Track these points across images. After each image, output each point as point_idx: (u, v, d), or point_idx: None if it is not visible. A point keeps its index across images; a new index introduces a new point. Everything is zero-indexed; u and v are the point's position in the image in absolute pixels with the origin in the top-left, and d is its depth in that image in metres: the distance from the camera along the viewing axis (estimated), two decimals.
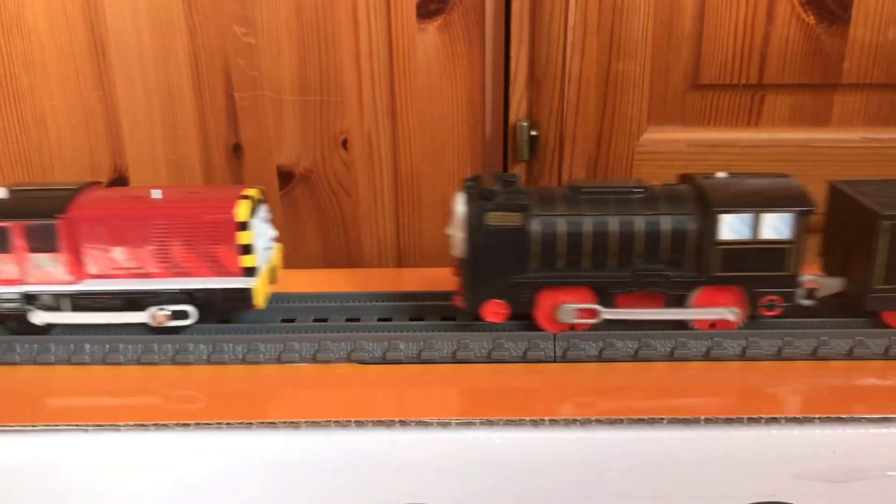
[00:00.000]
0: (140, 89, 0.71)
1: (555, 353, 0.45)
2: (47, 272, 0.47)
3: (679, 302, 0.46)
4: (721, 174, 0.47)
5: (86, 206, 0.47)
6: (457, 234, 0.45)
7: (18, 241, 0.46)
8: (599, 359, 0.45)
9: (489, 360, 0.45)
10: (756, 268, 0.45)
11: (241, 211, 0.45)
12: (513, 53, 0.67)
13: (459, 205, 0.44)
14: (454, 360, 0.45)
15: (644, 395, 0.41)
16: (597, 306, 0.45)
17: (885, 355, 0.45)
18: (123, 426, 0.39)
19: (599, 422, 0.38)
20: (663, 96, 0.69)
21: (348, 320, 0.50)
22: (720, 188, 0.45)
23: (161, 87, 0.71)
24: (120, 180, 0.74)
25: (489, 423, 0.39)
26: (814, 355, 0.45)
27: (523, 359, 0.45)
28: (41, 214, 0.46)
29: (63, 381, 0.44)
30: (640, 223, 0.44)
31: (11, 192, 0.48)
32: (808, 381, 0.44)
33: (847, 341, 0.45)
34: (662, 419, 0.38)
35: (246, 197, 0.46)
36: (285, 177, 0.74)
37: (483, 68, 0.70)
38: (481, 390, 0.43)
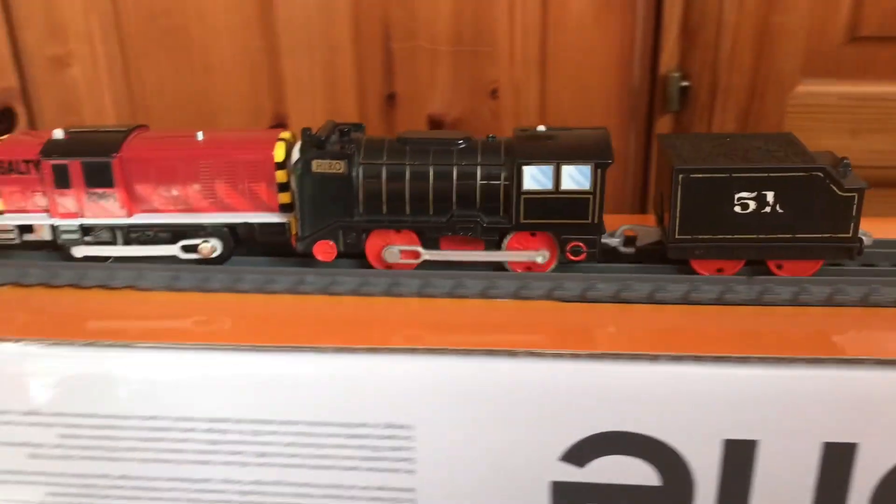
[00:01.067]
0: (303, 39, 0.75)
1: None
2: (102, 207, 0.51)
3: (496, 247, 0.50)
4: (542, 127, 0.51)
5: (137, 147, 0.51)
6: (291, 181, 0.49)
7: (76, 177, 0.50)
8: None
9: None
10: (560, 216, 0.48)
11: (279, 152, 0.49)
12: (666, 4, 0.68)
13: (294, 152, 0.49)
14: None
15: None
16: (418, 248, 0.49)
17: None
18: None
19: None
20: (819, 49, 0.68)
21: None
22: (528, 141, 0.49)
23: (322, 38, 0.74)
24: (282, 127, 0.78)
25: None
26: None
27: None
28: (98, 153, 0.50)
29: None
30: (455, 172, 0.48)
31: (67, 133, 0.51)
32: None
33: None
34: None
35: (283, 139, 0.50)
36: (435, 125, 0.76)
37: (634, 19, 0.70)
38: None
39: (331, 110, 0.78)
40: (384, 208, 0.49)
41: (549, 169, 0.47)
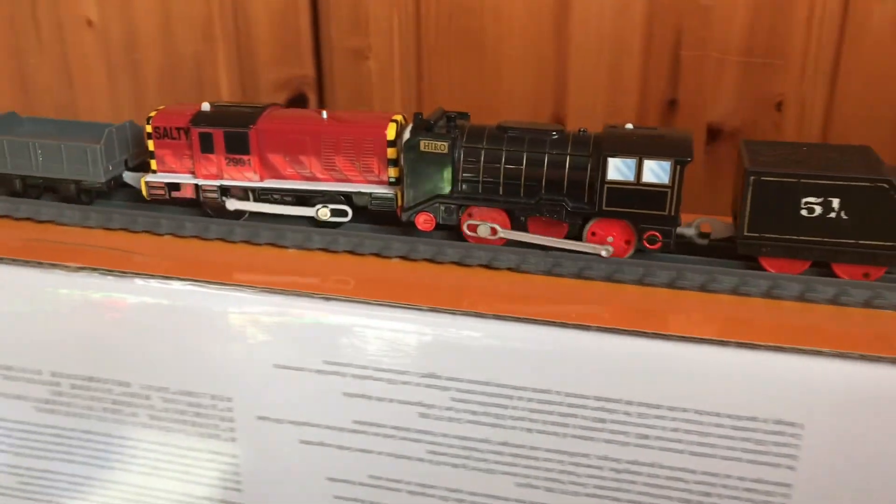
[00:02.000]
0: (593, 41, 0.77)
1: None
2: (238, 171, 0.59)
3: (579, 230, 0.55)
4: (629, 125, 0.55)
5: (271, 121, 0.58)
6: (400, 157, 0.56)
7: (218, 144, 0.58)
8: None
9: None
10: (639, 206, 0.52)
11: (391, 131, 0.57)
12: None
13: (405, 132, 0.56)
14: None
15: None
16: (498, 226, 0.55)
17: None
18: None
19: None
20: None
21: None
22: (616, 136, 0.54)
23: (613, 40, 0.77)
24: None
25: None
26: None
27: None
28: (237, 125, 0.58)
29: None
30: (546, 160, 0.54)
31: (213, 106, 0.60)
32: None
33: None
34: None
35: (394, 121, 0.57)
36: (713, 133, 0.77)
37: None
38: None
39: (610, 112, 0.80)
40: (480, 188, 0.56)
41: (632, 162, 0.52)
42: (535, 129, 0.55)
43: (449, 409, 0.50)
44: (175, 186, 0.60)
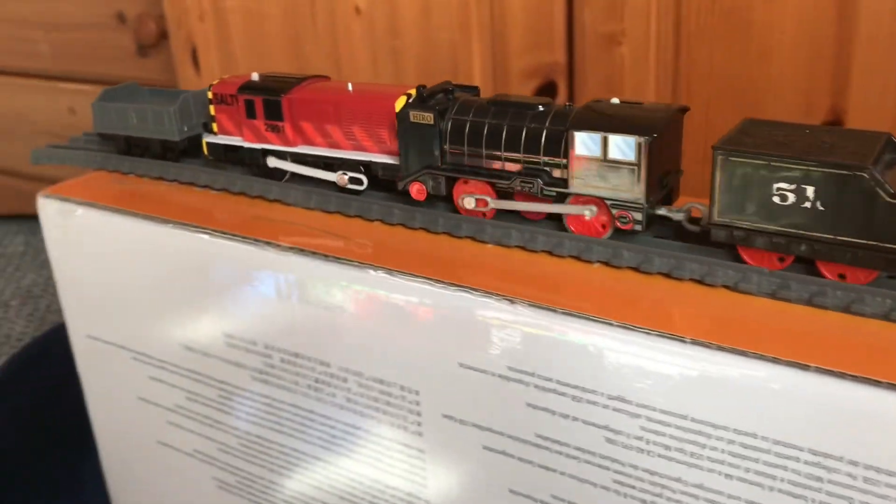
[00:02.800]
0: (886, 30, 0.65)
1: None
2: (275, 136, 0.61)
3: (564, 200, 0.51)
4: (615, 100, 0.51)
5: (303, 91, 0.61)
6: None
7: (259, 111, 0.61)
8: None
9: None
10: (608, 184, 0.49)
11: (399, 103, 0.56)
12: None
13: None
14: None
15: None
16: (487, 197, 0.53)
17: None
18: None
19: None
20: None
21: None
22: (589, 110, 0.51)
23: None
24: (837, 123, 0.70)
25: None
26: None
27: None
28: (274, 93, 0.61)
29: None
30: (524, 133, 0.51)
31: (261, 77, 0.63)
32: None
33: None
34: None
35: (408, 94, 0.56)
36: None
37: None
38: None
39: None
40: (465, 159, 0.54)
41: (597, 137, 0.48)
42: (521, 103, 0.53)
43: (638, 438, 0.45)
44: (231, 147, 0.64)
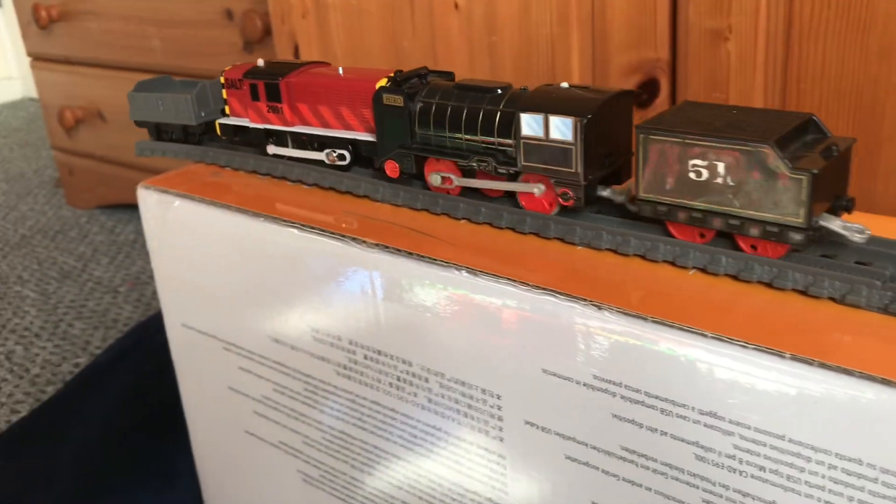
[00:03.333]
0: None
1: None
2: (276, 117, 0.65)
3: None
4: (565, 84, 0.54)
5: (299, 75, 0.64)
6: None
7: (262, 94, 0.65)
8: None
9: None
10: (551, 162, 0.52)
11: (379, 85, 0.59)
12: None
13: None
14: None
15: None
16: (452, 175, 0.56)
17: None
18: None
19: None
20: None
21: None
22: (537, 92, 0.53)
23: None
24: None
25: None
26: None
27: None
28: (273, 77, 0.64)
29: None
30: (482, 115, 0.54)
31: (266, 63, 0.67)
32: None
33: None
34: None
35: (388, 78, 0.59)
36: None
37: None
38: None
39: None
40: (433, 139, 0.57)
41: (540, 118, 0.51)
42: (481, 87, 0.55)
43: (731, 457, 0.42)
44: (240, 129, 0.68)
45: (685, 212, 0.47)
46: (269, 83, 0.65)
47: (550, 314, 0.47)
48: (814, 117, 0.47)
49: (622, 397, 0.45)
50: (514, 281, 0.48)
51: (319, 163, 0.64)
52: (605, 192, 0.52)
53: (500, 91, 0.55)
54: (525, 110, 0.52)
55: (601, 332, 0.45)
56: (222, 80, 0.68)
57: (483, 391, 0.52)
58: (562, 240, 0.53)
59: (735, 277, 0.46)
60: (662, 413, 0.44)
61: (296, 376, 0.64)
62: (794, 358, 0.39)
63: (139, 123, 0.76)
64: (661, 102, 0.82)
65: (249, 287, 0.64)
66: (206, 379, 0.72)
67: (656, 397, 0.44)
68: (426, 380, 0.55)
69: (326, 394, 0.62)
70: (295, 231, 0.58)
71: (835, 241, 0.46)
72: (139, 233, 1.82)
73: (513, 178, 0.54)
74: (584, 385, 0.46)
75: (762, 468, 0.41)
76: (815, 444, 0.39)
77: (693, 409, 0.43)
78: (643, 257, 0.49)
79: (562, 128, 0.50)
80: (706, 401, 0.42)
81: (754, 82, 0.75)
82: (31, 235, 1.84)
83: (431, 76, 0.60)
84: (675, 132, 0.46)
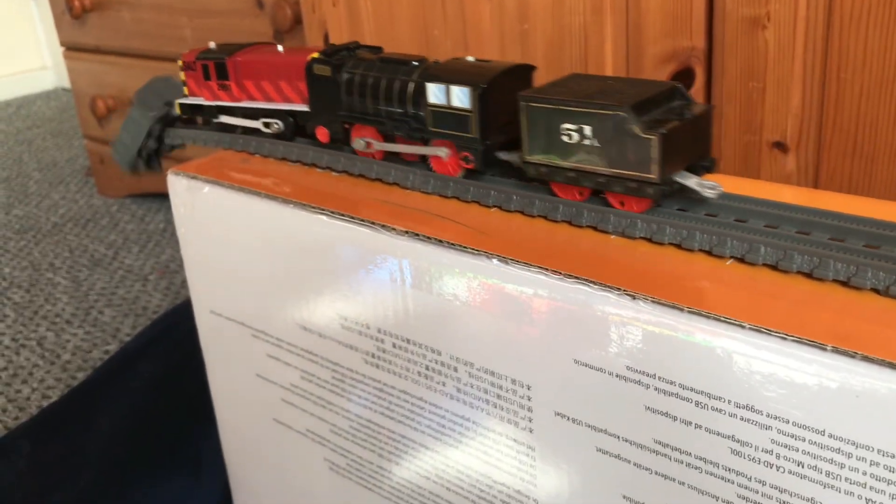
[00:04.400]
0: None
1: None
2: (225, 94, 0.70)
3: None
4: (471, 58, 0.59)
5: (244, 54, 0.69)
6: None
7: (212, 73, 0.70)
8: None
9: None
10: (453, 128, 0.56)
11: (311, 57, 0.64)
12: None
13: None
14: None
15: None
16: (373, 140, 0.62)
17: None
18: None
19: None
20: None
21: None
22: (444, 65, 0.58)
23: None
24: None
25: None
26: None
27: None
28: (221, 57, 0.69)
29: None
30: (397, 85, 0.59)
31: (217, 45, 0.72)
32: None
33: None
34: None
35: (321, 52, 0.64)
36: None
37: None
38: None
39: None
40: (357, 107, 0.61)
41: (443, 87, 0.56)
42: (399, 60, 0.60)
43: (768, 452, 0.41)
44: (196, 108, 0.72)
45: (561, 172, 0.51)
46: (217, 63, 0.70)
47: (583, 304, 0.46)
48: (679, 86, 0.51)
49: (656, 389, 0.44)
50: (546, 270, 0.47)
51: (258, 132, 0.70)
52: (505, 156, 0.56)
53: (415, 63, 0.59)
54: (431, 80, 0.56)
55: (634, 322, 0.44)
56: (180, 63, 0.73)
57: (513, 381, 0.51)
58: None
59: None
60: (697, 406, 0.43)
61: (324, 364, 0.63)
62: (836, 350, 0.38)
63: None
64: (696, 92, 0.80)
65: (278, 274, 0.64)
66: (234, 366, 0.72)
67: (691, 389, 0.43)
68: (455, 369, 0.54)
69: (354, 382, 0.62)
70: (324, 218, 0.58)
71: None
72: (168, 221, 1.84)
73: (426, 143, 0.59)
74: (617, 376, 0.45)
75: (801, 464, 0.40)
76: (857, 439, 0.38)
77: (729, 402, 0.42)
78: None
79: (461, 96, 0.55)
80: (743, 394, 0.41)
81: (793, 71, 0.73)
82: (63, 224, 1.86)
83: (360, 50, 0.64)
84: (548, 99, 0.50)
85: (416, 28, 1.01)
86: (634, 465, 0.47)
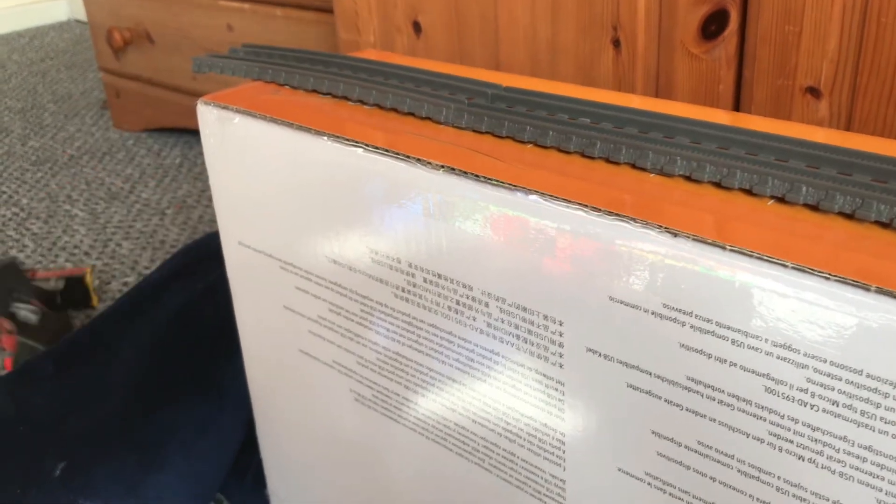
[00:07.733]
0: None
1: None
2: None
3: None
4: None
5: None
6: None
7: None
8: None
9: None
10: None
11: None
12: None
13: None
14: None
15: None
16: None
17: None
18: None
19: None
20: None
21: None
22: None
23: None
24: None
25: None
26: None
27: None
28: None
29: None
30: None
31: None
32: None
33: None
34: None
35: None
36: None
37: None
38: None
39: None
40: None
41: None
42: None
43: (803, 390, 0.41)
44: None
45: None
46: None
47: (621, 241, 0.46)
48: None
49: (692, 327, 0.44)
50: (585, 205, 0.47)
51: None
52: None
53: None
54: None
55: (674, 259, 0.44)
56: None
57: (545, 317, 0.51)
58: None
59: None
60: (734, 344, 0.43)
61: (353, 297, 0.64)
62: (880, 290, 0.38)
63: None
64: (730, 34, 0.79)
65: (308, 206, 0.64)
66: (261, 298, 0.73)
67: (728, 328, 0.43)
68: (486, 304, 0.54)
69: (383, 315, 0.62)
70: (358, 150, 0.58)
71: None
72: (185, 157, 1.83)
73: None
74: (653, 314, 0.46)
75: (835, 402, 0.40)
76: (894, 379, 0.38)
77: (766, 340, 0.42)
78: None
79: None
80: (781, 333, 0.41)
81: (832, 14, 0.72)
82: (79, 156, 1.85)
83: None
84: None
85: (446, 10, 0.99)
86: (665, 401, 0.47)
